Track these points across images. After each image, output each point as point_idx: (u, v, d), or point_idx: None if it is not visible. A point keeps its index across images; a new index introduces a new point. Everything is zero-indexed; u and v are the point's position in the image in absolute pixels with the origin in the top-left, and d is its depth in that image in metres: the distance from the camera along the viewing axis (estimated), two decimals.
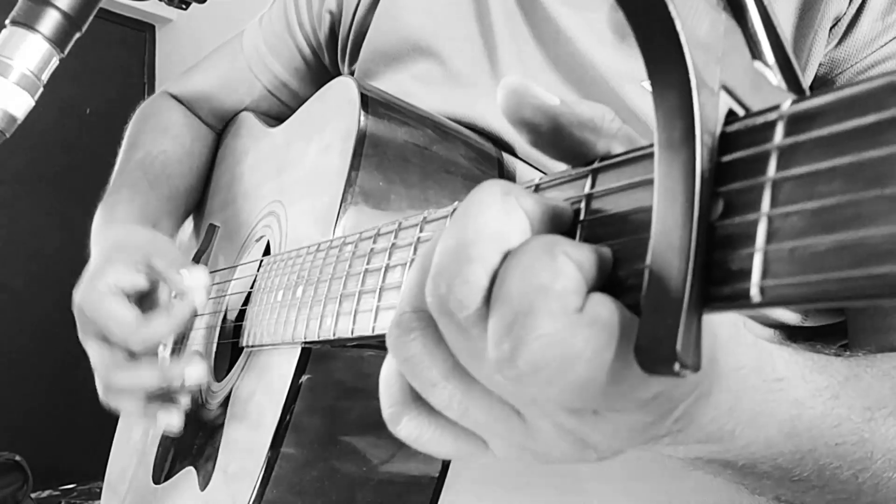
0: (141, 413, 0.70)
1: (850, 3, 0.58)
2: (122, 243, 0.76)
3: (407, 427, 0.30)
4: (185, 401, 0.71)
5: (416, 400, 0.30)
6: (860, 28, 0.58)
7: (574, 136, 0.28)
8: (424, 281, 0.27)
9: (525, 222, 0.26)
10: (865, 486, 0.41)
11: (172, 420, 0.70)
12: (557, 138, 0.28)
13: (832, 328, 0.69)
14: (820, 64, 0.60)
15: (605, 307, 0.24)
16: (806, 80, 0.59)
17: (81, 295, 0.71)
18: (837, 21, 0.59)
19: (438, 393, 0.29)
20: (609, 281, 0.24)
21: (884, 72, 0.18)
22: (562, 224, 0.27)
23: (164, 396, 0.70)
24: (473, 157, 0.70)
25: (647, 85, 0.69)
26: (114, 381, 0.69)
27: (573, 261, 0.24)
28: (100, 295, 0.69)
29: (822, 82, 0.61)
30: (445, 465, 0.64)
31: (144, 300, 0.73)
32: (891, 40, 0.58)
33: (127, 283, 0.71)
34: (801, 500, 0.41)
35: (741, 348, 0.32)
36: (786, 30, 0.60)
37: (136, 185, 0.89)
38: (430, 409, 0.30)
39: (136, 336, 0.68)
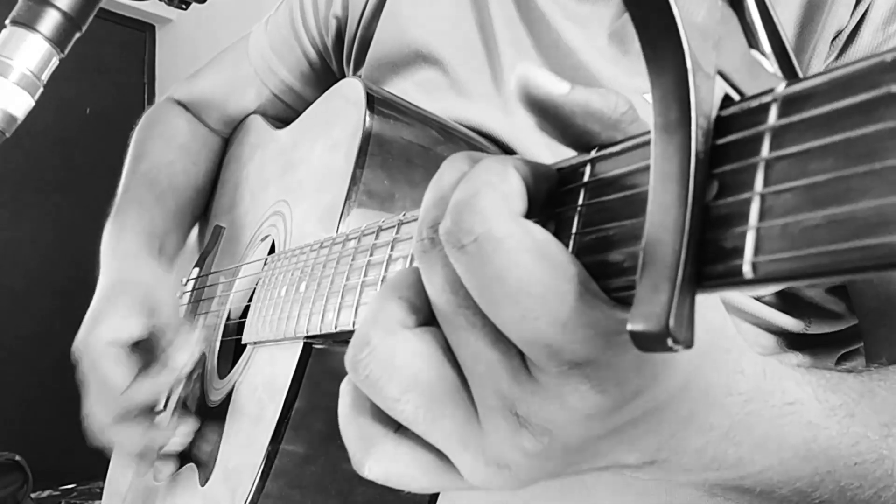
0: (136, 452, 0.72)
1: (851, 16, 0.58)
2: (125, 281, 0.78)
3: (375, 464, 0.30)
4: (175, 444, 0.74)
5: (379, 435, 0.30)
6: (861, 39, 0.58)
7: (577, 126, 0.28)
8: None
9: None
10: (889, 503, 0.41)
11: (166, 466, 0.74)
12: (562, 125, 0.29)
13: (835, 336, 0.69)
14: None
15: (542, 231, 0.25)
16: None
17: (81, 342, 0.73)
18: (839, 33, 0.58)
19: (402, 407, 0.29)
20: (605, 263, 0.25)
21: (874, 52, 0.18)
22: (550, 178, 0.29)
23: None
24: None
25: (649, 98, 0.69)
26: (109, 418, 0.71)
27: (521, 173, 0.27)
28: (97, 351, 0.71)
29: None
30: None
31: (142, 343, 0.74)
32: (890, 51, 0.58)
33: (124, 335, 0.72)
34: None
35: (737, 376, 0.32)
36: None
37: (143, 201, 0.90)
38: (394, 440, 0.30)
39: (128, 394, 0.70)
